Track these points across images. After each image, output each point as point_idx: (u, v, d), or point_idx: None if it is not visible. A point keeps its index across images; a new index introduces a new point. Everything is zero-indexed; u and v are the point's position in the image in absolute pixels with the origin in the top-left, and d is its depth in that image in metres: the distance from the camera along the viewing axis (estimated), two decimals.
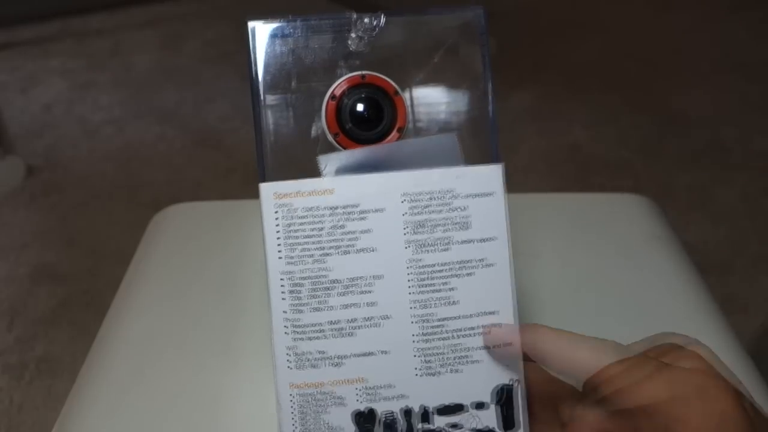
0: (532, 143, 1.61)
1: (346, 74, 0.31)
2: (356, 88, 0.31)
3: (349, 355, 0.30)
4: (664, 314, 0.52)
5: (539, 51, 2.06)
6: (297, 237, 0.29)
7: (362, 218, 0.29)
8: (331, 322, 0.29)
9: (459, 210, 0.29)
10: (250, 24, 0.30)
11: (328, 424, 0.30)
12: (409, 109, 0.31)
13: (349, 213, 0.29)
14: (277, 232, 0.29)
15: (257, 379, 0.47)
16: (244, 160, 1.58)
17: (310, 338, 0.30)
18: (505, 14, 2.30)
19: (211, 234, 0.62)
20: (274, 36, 0.30)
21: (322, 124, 0.31)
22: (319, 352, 0.30)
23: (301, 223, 0.29)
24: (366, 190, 0.29)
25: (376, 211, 0.29)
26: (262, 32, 0.30)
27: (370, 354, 0.30)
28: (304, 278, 0.29)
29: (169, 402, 0.46)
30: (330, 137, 0.31)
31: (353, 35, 0.31)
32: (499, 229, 0.29)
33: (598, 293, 0.54)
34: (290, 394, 0.31)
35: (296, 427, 0.31)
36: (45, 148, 1.65)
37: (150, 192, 1.49)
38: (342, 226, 0.29)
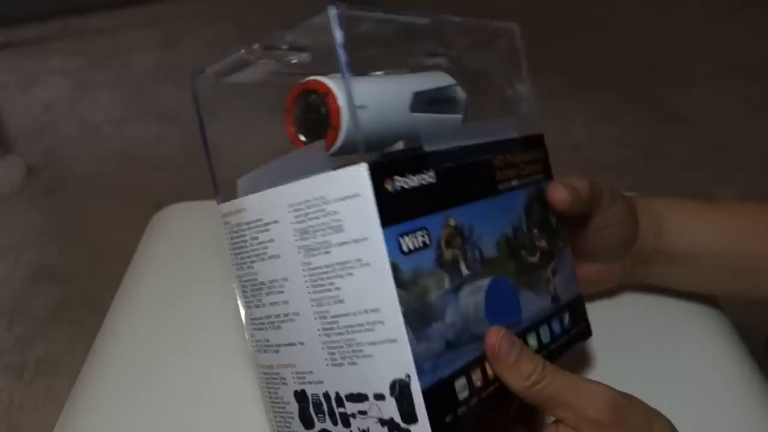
0: None
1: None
2: (302, 96, 0.35)
3: (281, 344, 0.35)
4: (664, 314, 0.52)
5: (539, 51, 2.05)
6: (237, 248, 0.35)
7: (266, 230, 0.33)
8: (266, 316, 0.35)
9: (332, 214, 0.31)
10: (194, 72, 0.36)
11: (281, 398, 0.36)
12: (343, 111, 0.33)
13: (257, 226, 0.34)
14: (228, 244, 0.35)
15: (256, 378, 0.47)
16: None
17: (258, 329, 0.36)
18: (505, 14, 2.30)
19: (211, 234, 0.61)
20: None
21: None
22: (266, 340, 0.36)
23: (237, 237, 0.35)
24: (262, 206, 0.33)
25: (274, 222, 0.33)
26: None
27: (293, 344, 0.34)
28: (246, 281, 0.36)
29: (169, 402, 0.46)
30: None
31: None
32: (371, 229, 0.30)
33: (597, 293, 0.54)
34: (260, 373, 0.37)
35: (266, 399, 0.37)
36: (45, 148, 1.65)
37: (150, 192, 1.49)
38: (256, 238, 0.34)
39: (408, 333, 0.30)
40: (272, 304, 0.34)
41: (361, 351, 0.32)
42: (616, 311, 0.52)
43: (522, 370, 0.33)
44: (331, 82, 0.33)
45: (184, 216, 0.65)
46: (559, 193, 0.41)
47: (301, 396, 0.35)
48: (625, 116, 1.73)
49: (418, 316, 0.31)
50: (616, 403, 0.32)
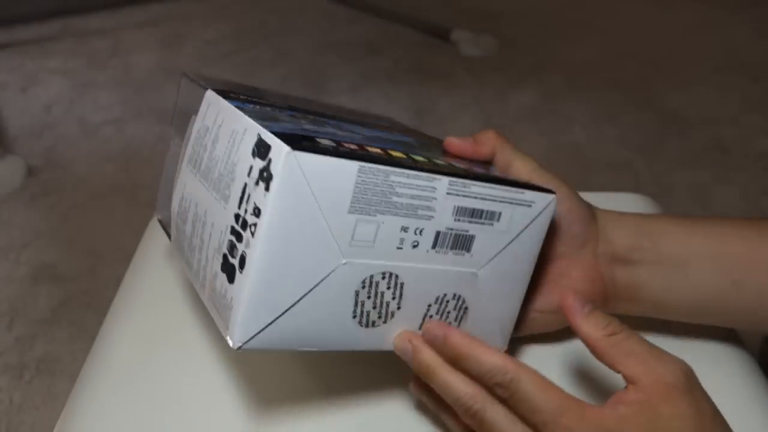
0: (532, 142, 1.61)
1: None
2: None
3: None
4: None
5: (540, 50, 2.06)
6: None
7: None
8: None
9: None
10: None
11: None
12: None
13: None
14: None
15: (257, 378, 0.47)
16: None
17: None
18: (505, 14, 2.30)
19: None
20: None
21: None
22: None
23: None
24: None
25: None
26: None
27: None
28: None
29: (169, 402, 0.46)
30: None
31: None
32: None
33: None
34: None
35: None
36: (45, 148, 1.65)
37: (150, 192, 1.49)
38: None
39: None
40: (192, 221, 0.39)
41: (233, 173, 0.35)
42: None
43: (599, 320, 0.35)
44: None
45: None
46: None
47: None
48: (625, 116, 1.73)
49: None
50: (691, 375, 0.33)
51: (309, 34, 2.24)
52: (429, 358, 0.37)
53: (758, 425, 0.44)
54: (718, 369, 0.47)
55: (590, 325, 0.35)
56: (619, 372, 0.34)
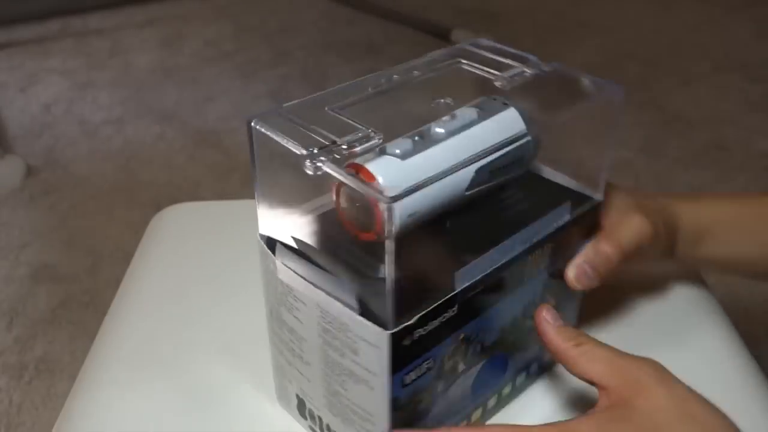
0: None
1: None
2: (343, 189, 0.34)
3: (293, 364, 0.40)
4: (664, 314, 0.52)
5: (539, 50, 2.05)
6: (268, 281, 0.38)
7: (295, 299, 0.36)
8: (281, 340, 0.40)
9: (352, 340, 0.34)
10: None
11: (286, 388, 0.42)
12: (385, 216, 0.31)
13: (288, 290, 0.37)
14: (262, 268, 0.39)
15: (256, 378, 0.47)
16: (244, 160, 1.58)
17: (278, 340, 0.40)
18: (505, 14, 2.30)
19: (211, 234, 0.62)
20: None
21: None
22: (281, 350, 0.41)
23: (270, 276, 0.38)
24: (295, 283, 0.36)
25: (302, 303, 0.36)
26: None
27: (301, 374, 0.40)
28: (273, 306, 0.39)
29: (169, 402, 0.46)
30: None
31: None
32: (381, 371, 0.34)
33: (597, 293, 0.54)
34: (273, 357, 0.42)
35: (276, 378, 0.43)
36: (45, 148, 1.65)
37: (150, 192, 1.48)
38: (285, 294, 0.37)
39: None
40: (291, 340, 0.38)
41: (353, 419, 0.37)
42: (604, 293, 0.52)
43: (569, 333, 0.37)
44: (380, 200, 0.30)
45: (185, 216, 0.65)
46: (572, 280, 0.42)
47: (300, 400, 0.41)
48: (626, 116, 1.73)
49: (406, 422, 0.36)
50: (659, 368, 0.34)
51: (309, 34, 2.24)
52: None
53: (758, 425, 0.44)
54: (717, 368, 0.47)
55: (560, 337, 0.37)
56: (590, 380, 0.35)
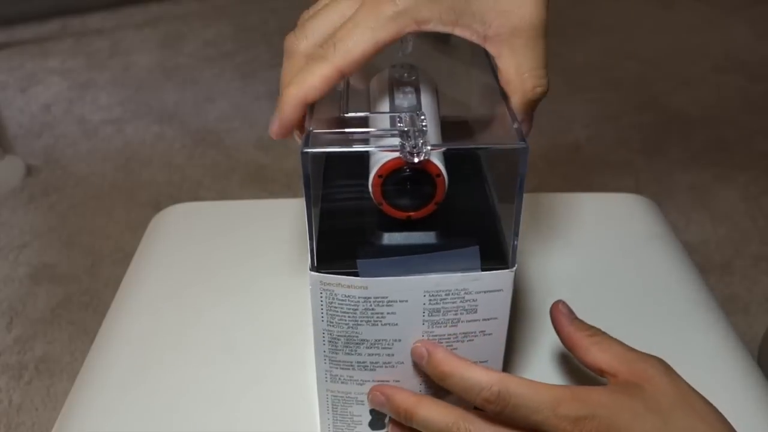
0: (532, 142, 1.60)
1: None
2: (400, 171, 0.34)
3: (369, 380, 0.39)
4: (664, 314, 0.52)
5: None
6: (336, 311, 0.36)
7: (389, 305, 0.36)
8: (360, 362, 0.38)
9: (470, 301, 0.36)
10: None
11: (351, 412, 0.41)
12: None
13: (379, 301, 0.36)
14: (321, 305, 0.36)
15: (257, 378, 0.47)
16: (244, 159, 1.58)
17: (342, 368, 0.39)
18: None
19: (211, 234, 0.61)
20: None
21: (368, 185, 0.35)
22: (348, 376, 0.39)
23: (340, 304, 0.36)
24: (394, 288, 0.35)
25: (401, 301, 0.36)
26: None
27: (386, 381, 0.39)
28: (340, 335, 0.37)
29: (169, 402, 0.46)
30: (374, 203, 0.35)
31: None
32: (503, 312, 0.36)
33: (597, 293, 0.54)
34: (326, 393, 0.40)
35: (328, 410, 0.41)
36: (44, 148, 1.65)
37: (150, 192, 1.48)
38: (372, 309, 0.36)
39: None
40: (371, 354, 0.38)
41: None
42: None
43: (583, 325, 0.39)
44: (441, 166, 0.34)
45: (185, 216, 0.65)
46: None
47: (378, 413, 0.41)
48: (626, 116, 1.73)
49: None
50: (666, 365, 0.36)
51: None
52: (403, 400, 0.37)
53: (758, 425, 0.44)
54: (717, 368, 0.47)
55: (574, 327, 0.38)
56: (600, 368, 0.37)
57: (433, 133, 0.36)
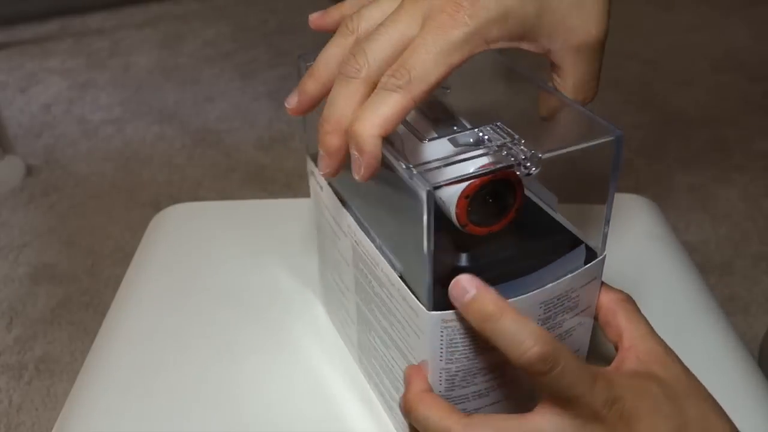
0: None
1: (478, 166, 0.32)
2: (485, 187, 0.32)
3: (482, 407, 0.38)
4: (664, 314, 0.52)
5: None
6: (456, 346, 0.35)
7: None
8: (473, 393, 0.37)
9: (573, 299, 0.36)
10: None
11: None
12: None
13: None
14: (441, 342, 0.34)
15: (256, 378, 0.47)
16: (244, 159, 1.58)
17: (456, 402, 0.37)
18: None
19: (211, 234, 0.61)
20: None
21: (449, 211, 0.33)
22: (462, 409, 0.36)
23: (462, 338, 0.34)
24: (515, 308, 0.33)
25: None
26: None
27: (499, 402, 0.38)
28: (459, 370, 0.35)
29: (169, 402, 0.46)
30: (458, 225, 0.33)
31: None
32: (594, 299, 0.37)
33: None
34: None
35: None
36: (44, 148, 1.65)
37: (150, 192, 1.48)
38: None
39: None
40: (486, 381, 0.37)
41: None
42: None
43: (622, 293, 0.39)
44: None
45: (185, 217, 0.65)
46: None
47: None
48: (626, 116, 1.73)
49: None
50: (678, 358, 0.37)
51: (309, 34, 2.23)
52: (489, 301, 0.32)
53: (758, 425, 0.44)
54: (717, 368, 0.47)
55: (606, 288, 0.38)
56: (618, 335, 0.37)
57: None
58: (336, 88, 0.34)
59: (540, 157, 0.31)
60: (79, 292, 1.22)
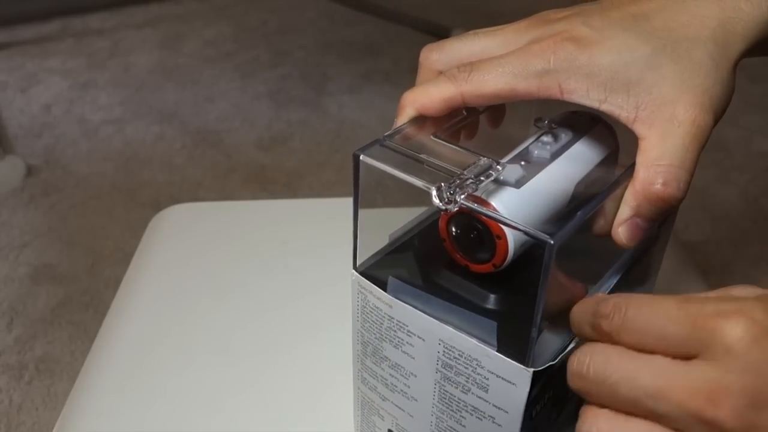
0: None
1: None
2: (468, 217, 0.32)
3: (389, 399, 0.38)
4: None
5: None
6: (367, 316, 0.36)
7: (409, 335, 0.34)
8: (381, 376, 0.37)
9: (482, 377, 0.32)
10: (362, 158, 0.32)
11: (374, 422, 0.40)
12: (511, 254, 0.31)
13: (400, 327, 0.35)
14: (357, 306, 0.36)
15: (256, 378, 0.47)
16: (243, 160, 1.58)
17: (369, 375, 0.38)
18: (505, 14, 2.30)
19: (211, 234, 0.62)
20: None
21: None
22: (373, 385, 0.38)
23: (371, 312, 0.36)
24: (413, 320, 0.34)
25: (419, 337, 0.34)
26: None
27: (401, 409, 0.37)
28: (369, 342, 0.37)
29: (169, 402, 0.46)
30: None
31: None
32: (514, 410, 0.32)
33: None
34: (358, 391, 0.40)
35: (359, 410, 0.41)
36: (45, 148, 1.65)
37: (150, 192, 1.49)
38: (394, 330, 0.35)
39: None
40: (391, 375, 0.37)
41: None
42: None
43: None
44: (506, 230, 0.30)
45: (185, 217, 0.65)
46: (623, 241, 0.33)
47: None
48: None
49: None
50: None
51: (309, 34, 2.24)
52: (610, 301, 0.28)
53: None
54: None
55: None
56: None
57: (544, 198, 0.32)
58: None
59: (459, 201, 0.29)
60: (79, 292, 1.22)
